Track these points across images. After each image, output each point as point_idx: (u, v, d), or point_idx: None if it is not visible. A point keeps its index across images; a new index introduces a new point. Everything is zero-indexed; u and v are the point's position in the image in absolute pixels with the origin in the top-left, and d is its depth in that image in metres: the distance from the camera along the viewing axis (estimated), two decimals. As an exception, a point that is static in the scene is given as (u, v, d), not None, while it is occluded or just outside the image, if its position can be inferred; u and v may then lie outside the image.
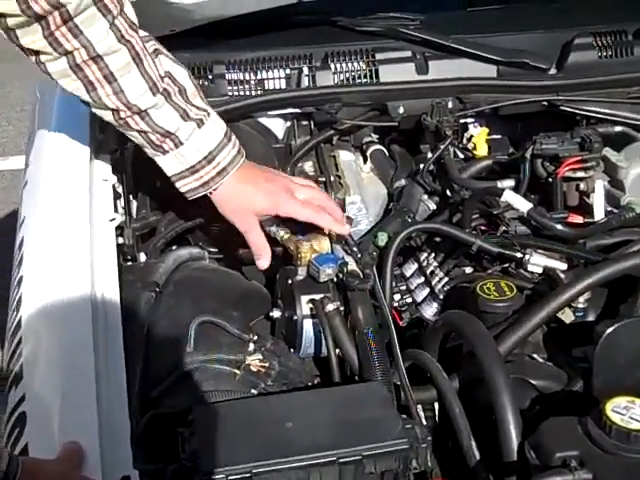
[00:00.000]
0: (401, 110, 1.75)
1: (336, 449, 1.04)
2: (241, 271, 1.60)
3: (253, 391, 1.24)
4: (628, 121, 1.67)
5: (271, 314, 1.43)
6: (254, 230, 1.42)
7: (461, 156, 1.72)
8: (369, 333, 1.29)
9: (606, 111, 1.69)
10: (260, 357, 1.28)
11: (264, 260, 1.43)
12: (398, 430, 1.07)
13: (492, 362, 1.13)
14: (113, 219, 1.51)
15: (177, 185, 1.40)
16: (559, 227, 1.42)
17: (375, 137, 1.90)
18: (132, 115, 1.34)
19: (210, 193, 1.41)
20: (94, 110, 1.36)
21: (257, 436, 1.06)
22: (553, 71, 1.81)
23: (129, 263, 1.56)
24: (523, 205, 1.43)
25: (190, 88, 1.39)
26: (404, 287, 1.55)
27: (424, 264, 1.55)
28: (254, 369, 1.27)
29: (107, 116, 1.36)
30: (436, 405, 1.28)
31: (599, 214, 1.48)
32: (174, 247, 1.68)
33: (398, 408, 1.17)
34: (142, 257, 1.62)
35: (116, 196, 1.60)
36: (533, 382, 1.25)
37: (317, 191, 1.49)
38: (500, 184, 1.56)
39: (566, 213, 1.46)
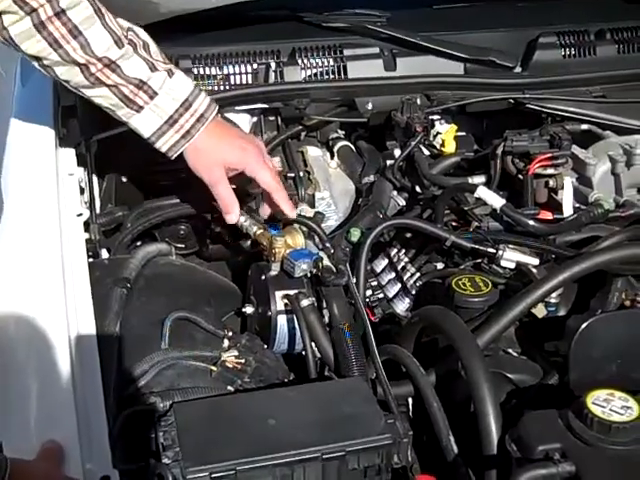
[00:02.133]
0: (369, 106, 1.75)
1: (319, 445, 1.02)
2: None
3: (230, 388, 1.23)
4: (593, 119, 1.68)
5: (243, 310, 1.42)
6: (222, 183, 1.40)
7: (427, 153, 1.72)
8: (345, 329, 1.28)
9: (571, 109, 1.70)
10: (236, 353, 1.27)
11: (233, 215, 1.41)
12: (381, 426, 1.06)
13: (472, 356, 1.13)
14: (80, 214, 1.49)
15: (158, 145, 1.36)
16: (531, 223, 1.42)
17: (341, 133, 1.90)
18: (103, 68, 1.31)
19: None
20: (60, 71, 1.31)
21: (240, 433, 1.04)
22: (518, 69, 1.83)
23: (90, 259, 1.53)
24: (496, 201, 1.44)
25: (152, 46, 1.39)
26: (375, 283, 1.54)
27: (395, 260, 1.55)
28: (230, 365, 1.25)
29: (76, 75, 1.32)
30: (410, 400, 1.28)
31: (568, 210, 1.48)
32: (139, 243, 1.67)
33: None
34: (104, 253, 1.61)
35: (81, 190, 1.57)
36: (510, 376, 1.26)
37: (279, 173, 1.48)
38: (471, 180, 1.57)
39: (537, 209, 1.47)
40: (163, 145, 1.37)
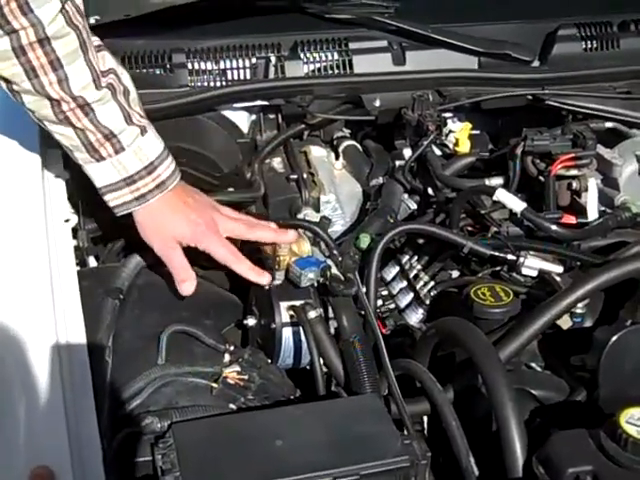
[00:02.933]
0: (377, 103, 1.74)
1: (331, 468, 1.01)
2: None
3: (232, 406, 1.22)
4: (618, 117, 1.68)
5: (245, 322, 1.40)
6: (175, 252, 1.36)
7: (439, 153, 1.72)
8: (355, 342, 1.27)
9: (595, 106, 1.70)
10: (238, 369, 1.26)
11: (189, 284, 1.37)
12: (397, 447, 1.05)
13: (494, 371, 1.12)
14: (68, 220, 1.47)
15: (107, 198, 1.33)
16: (554, 228, 1.42)
17: (347, 132, 1.90)
18: (75, 108, 1.28)
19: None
20: (27, 100, 1.28)
21: (244, 455, 1.03)
22: (537, 63, 1.84)
23: (78, 268, 1.52)
24: (516, 204, 1.44)
25: (133, 93, 1.35)
26: (385, 292, 1.54)
27: (406, 267, 1.54)
28: (232, 382, 1.24)
29: (44, 108, 1.28)
30: (425, 418, 1.27)
31: (592, 214, 1.48)
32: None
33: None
34: (92, 261, 1.59)
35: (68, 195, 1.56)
36: (534, 392, 1.25)
37: (242, 222, 1.42)
38: (488, 182, 1.57)
39: (560, 213, 1.47)
40: (111, 200, 1.34)
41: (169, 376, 1.23)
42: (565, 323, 1.32)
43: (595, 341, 1.25)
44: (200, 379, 1.23)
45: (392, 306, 1.52)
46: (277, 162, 1.78)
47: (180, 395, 1.21)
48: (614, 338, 1.16)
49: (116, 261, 1.57)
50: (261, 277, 1.38)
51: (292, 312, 1.33)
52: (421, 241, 1.54)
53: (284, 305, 1.34)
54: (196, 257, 1.41)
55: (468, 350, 1.18)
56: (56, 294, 1.25)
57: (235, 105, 1.77)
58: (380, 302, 1.50)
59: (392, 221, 1.56)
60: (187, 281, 1.37)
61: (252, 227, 1.42)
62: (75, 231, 1.54)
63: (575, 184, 1.51)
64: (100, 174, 1.32)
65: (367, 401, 1.18)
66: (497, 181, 1.57)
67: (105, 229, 1.59)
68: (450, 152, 1.70)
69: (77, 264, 1.47)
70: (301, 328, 1.31)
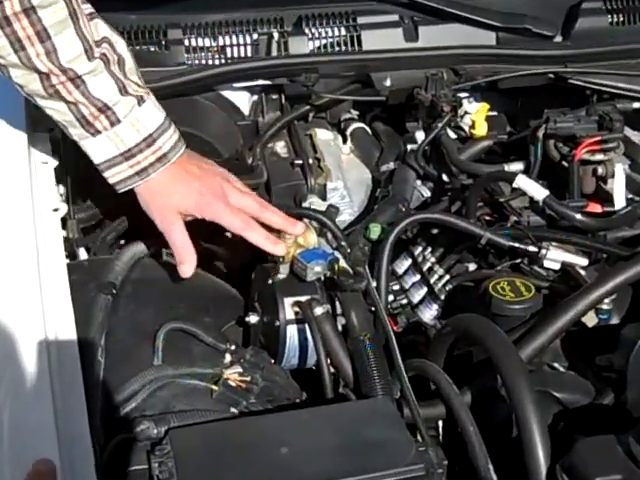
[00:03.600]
0: (388, 82, 1.74)
1: (340, 478, 1.00)
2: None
3: (233, 410, 1.21)
4: (646, 97, 1.67)
5: (247, 319, 1.39)
6: (176, 230, 1.36)
7: (454, 136, 1.71)
8: (365, 340, 1.26)
9: (622, 85, 1.69)
10: (240, 370, 1.25)
11: (188, 265, 1.35)
12: (411, 454, 1.04)
13: (515, 372, 1.11)
14: (57, 209, 1.47)
15: (106, 174, 1.33)
16: (578, 217, 1.41)
17: (355, 114, 1.89)
18: (65, 82, 1.27)
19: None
20: (15, 74, 1.27)
21: (247, 464, 1.02)
22: (559, 39, 1.83)
23: (67, 261, 1.52)
24: (538, 192, 1.43)
25: (129, 62, 1.34)
26: (397, 286, 1.53)
27: (419, 260, 1.54)
28: (233, 384, 1.23)
29: (32, 82, 1.28)
30: (440, 423, 1.26)
31: (620, 202, 1.47)
32: (123, 242, 1.65)
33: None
34: (83, 253, 1.59)
35: (57, 181, 1.56)
36: (557, 395, 1.24)
37: (253, 199, 1.42)
38: (507, 168, 1.56)
39: (584, 201, 1.46)
40: (112, 177, 1.33)
41: (166, 378, 1.22)
42: (590, 320, 1.31)
43: (623, 339, 1.25)
44: (199, 381, 1.23)
45: (404, 301, 1.51)
46: (280, 146, 1.77)
47: (178, 398, 1.21)
48: (644, 337, 1.15)
49: (109, 253, 1.57)
50: (277, 247, 1.36)
51: (297, 308, 1.32)
52: (435, 231, 1.53)
53: (289, 301, 1.33)
54: (198, 233, 1.39)
55: (486, 349, 1.17)
56: (44, 289, 1.24)
57: (235, 85, 1.77)
58: (391, 297, 1.50)
59: (404, 210, 1.56)
60: (186, 263, 1.36)
61: (263, 206, 1.41)
62: (64, 221, 1.53)
63: (601, 170, 1.50)
64: (97, 149, 1.32)
65: (378, 405, 1.17)
66: (517, 166, 1.57)
67: (102, 211, 1.60)
68: (466, 135, 1.70)
69: (66, 256, 1.47)
70: (307, 325, 1.30)
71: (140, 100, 1.32)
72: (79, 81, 1.28)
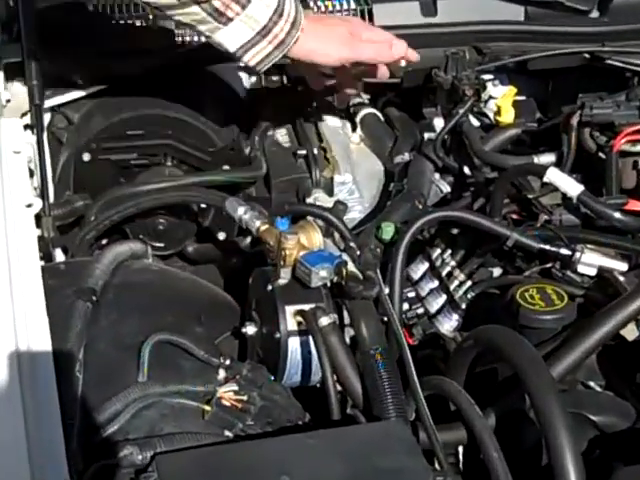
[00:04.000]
0: (403, 63, 1.72)
1: (349, 510, 1.00)
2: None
3: (228, 433, 1.21)
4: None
5: (243, 330, 1.40)
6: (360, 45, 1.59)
7: (477, 123, 1.72)
8: (377, 355, 1.26)
9: (667, 67, 1.69)
10: (235, 388, 1.25)
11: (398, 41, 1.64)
12: (428, 484, 1.04)
13: (545, 392, 1.11)
14: (30, 205, 1.47)
15: (245, 58, 1.47)
16: (617, 216, 1.40)
17: (366, 98, 1.89)
18: None
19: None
20: None
21: (244, 495, 1.02)
22: (595, 14, 1.84)
23: (42, 263, 1.52)
24: (572, 187, 1.42)
25: None
26: (412, 294, 1.53)
27: (437, 264, 1.53)
28: (228, 404, 1.23)
29: None
30: (461, 449, 1.26)
31: (664, 199, 1.47)
32: (105, 241, 1.66)
33: (421, 453, 1.14)
34: (59, 255, 1.61)
35: (30, 173, 1.56)
36: (593, 418, 1.24)
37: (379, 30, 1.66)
38: (537, 160, 1.56)
39: (624, 198, 1.45)
40: (252, 58, 1.47)
41: (152, 396, 1.22)
42: (631, 333, 1.30)
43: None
44: (189, 400, 1.22)
45: (421, 311, 1.51)
46: (282, 134, 1.78)
47: (165, 420, 1.21)
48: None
49: (88, 255, 1.58)
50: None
51: (300, 318, 1.32)
52: (455, 231, 1.53)
53: (290, 309, 1.33)
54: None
55: (513, 366, 1.16)
56: (16, 295, 1.25)
57: (231, 65, 1.76)
58: (406, 306, 1.50)
59: (421, 207, 1.56)
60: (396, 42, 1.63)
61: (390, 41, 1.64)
62: (38, 218, 1.54)
63: (643, 162, 1.50)
64: (232, 37, 1.45)
65: (391, 428, 1.16)
66: (548, 158, 1.57)
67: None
68: (490, 122, 1.70)
69: (41, 258, 1.48)
70: (311, 338, 1.30)
71: None
72: None
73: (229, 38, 1.45)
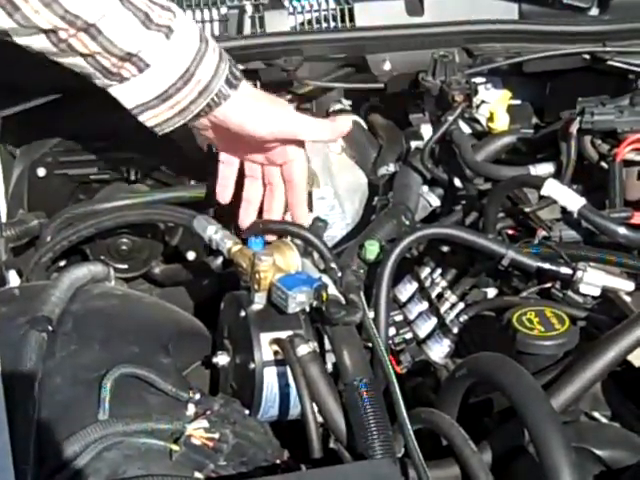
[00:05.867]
0: (387, 66, 1.75)
1: None
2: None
3: (198, 475, 1.20)
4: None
5: (214, 360, 1.39)
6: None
7: (469, 130, 1.73)
8: (362, 386, 1.25)
9: (673, 68, 1.70)
10: (206, 425, 1.23)
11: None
12: (419, 530, 1.03)
13: (545, 425, 1.10)
14: (-19, 224, 1.47)
15: (141, 118, 1.40)
16: (622, 231, 1.40)
17: (347, 104, 1.91)
18: (77, 33, 1.29)
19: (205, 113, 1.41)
20: (18, 40, 1.30)
21: None
22: (595, 12, 1.82)
23: (-5, 288, 1.52)
24: (572, 200, 1.42)
25: None
26: (400, 317, 1.53)
27: (427, 284, 1.54)
28: (198, 442, 1.22)
29: (40, 42, 1.30)
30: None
31: (674, 212, 1.47)
32: (62, 263, 1.67)
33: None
34: (13, 278, 1.60)
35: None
36: (598, 452, 1.22)
37: None
38: (534, 170, 1.56)
39: (629, 211, 1.45)
40: (149, 120, 1.40)
41: (114, 436, 1.20)
42: (638, 359, 1.29)
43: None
44: (156, 439, 1.21)
45: (409, 336, 1.51)
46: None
47: (129, 461, 1.19)
48: None
49: (44, 278, 1.57)
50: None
51: (276, 347, 1.32)
52: (446, 249, 1.54)
53: (266, 337, 1.33)
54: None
55: (510, 396, 1.15)
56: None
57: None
58: (393, 330, 1.49)
59: (408, 223, 1.56)
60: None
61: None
62: (-10, 238, 1.54)
63: (648, 172, 1.51)
64: (127, 95, 1.38)
65: (378, 467, 1.15)
66: (546, 168, 1.58)
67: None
68: (483, 129, 1.71)
69: (-8, 283, 1.47)
70: (288, 368, 1.30)
71: (168, 31, 1.34)
72: (94, 30, 1.29)
73: (124, 95, 1.38)
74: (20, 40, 1.30)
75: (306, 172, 1.53)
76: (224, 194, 1.54)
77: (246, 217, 1.54)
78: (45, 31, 1.28)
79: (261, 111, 1.43)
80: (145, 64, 1.34)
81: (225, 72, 1.40)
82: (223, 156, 1.54)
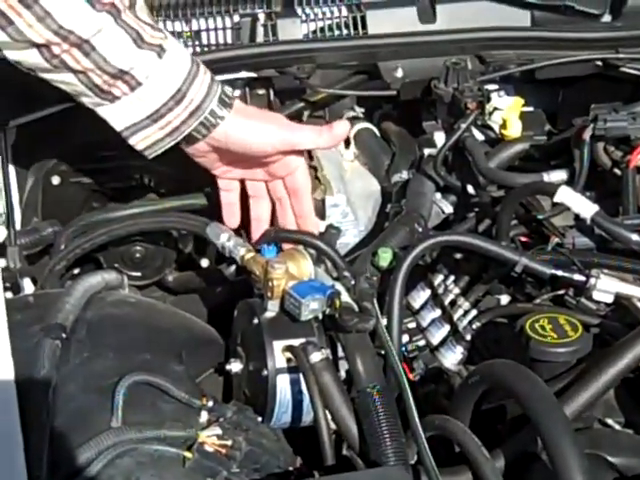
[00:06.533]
0: (399, 74, 1.75)
1: None
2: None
3: (212, 482, 1.21)
4: None
5: (227, 367, 1.40)
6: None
7: (481, 138, 1.72)
8: (374, 393, 1.25)
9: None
10: (219, 432, 1.24)
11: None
12: (432, 537, 1.02)
13: (558, 432, 1.10)
14: (-6, 233, 1.47)
15: (132, 141, 1.41)
16: (635, 238, 1.40)
17: (360, 111, 1.90)
18: (70, 49, 1.30)
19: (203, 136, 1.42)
20: (10, 55, 1.31)
21: None
22: (607, 18, 1.83)
23: (9, 295, 1.52)
24: (585, 207, 1.42)
25: (139, 1, 1.38)
26: (413, 324, 1.53)
27: (440, 291, 1.53)
28: (211, 449, 1.22)
29: (31, 57, 1.31)
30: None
31: (687, 219, 1.47)
32: (77, 271, 1.67)
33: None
34: (27, 286, 1.61)
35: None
36: (611, 459, 1.22)
37: None
38: (547, 177, 1.56)
39: (643, 218, 1.45)
40: (139, 143, 1.40)
41: (128, 443, 1.20)
42: (652, 365, 1.30)
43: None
44: (169, 446, 1.21)
45: (422, 343, 1.51)
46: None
47: (142, 468, 1.19)
48: None
49: (58, 286, 1.57)
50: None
51: (289, 354, 1.32)
52: (459, 256, 1.53)
53: (279, 345, 1.33)
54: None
55: (523, 403, 1.15)
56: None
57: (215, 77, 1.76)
58: (406, 338, 1.49)
59: (421, 230, 1.56)
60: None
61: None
62: (4, 247, 1.55)
63: (662, 179, 1.50)
64: (117, 116, 1.38)
65: (391, 474, 1.16)
66: (559, 176, 1.57)
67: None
68: (496, 137, 1.70)
69: (6, 290, 1.47)
70: (301, 375, 1.30)
71: (160, 51, 1.36)
72: (87, 47, 1.30)
73: (114, 116, 1.39)
74: (11, 55, 1.31)
75: (309, 180, 1.55)
76: (231, 221, 1.56)
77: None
78: (38, 45, 1.28)
79: (260, 126, 1.44)
80: (137, 82, 1.35)
81: (217, 93, 1.41)
82: (222, 183, 1.55)
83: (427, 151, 1.71)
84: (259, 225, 1.56)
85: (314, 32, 1.78)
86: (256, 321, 1.36)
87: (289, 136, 1.47)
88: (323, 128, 1.52)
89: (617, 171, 1.51)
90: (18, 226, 1.67)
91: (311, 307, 1.32)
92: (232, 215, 1.56)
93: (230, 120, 1.42)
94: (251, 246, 1.44)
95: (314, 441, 1.29)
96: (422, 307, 1.54)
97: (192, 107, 1.38)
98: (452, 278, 1.53)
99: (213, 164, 1.51)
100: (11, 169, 1.68)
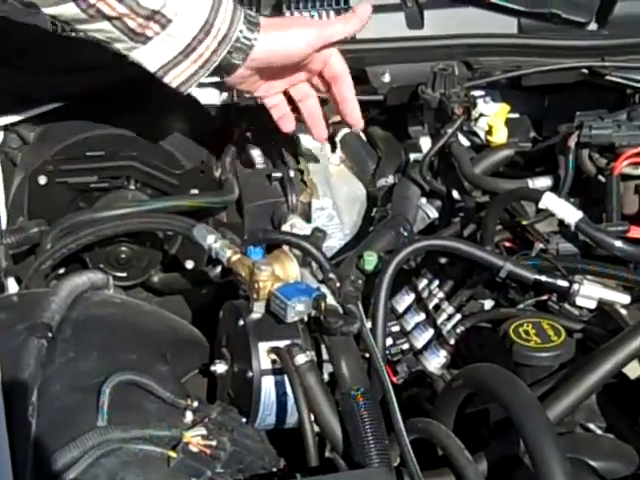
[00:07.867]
0: (386, 78, 1.76)
1: None
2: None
3: (195, 482, 1.20)
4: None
5: (212, 368, 1.40)
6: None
7: (467, 143, 1.73)
8: (358, 396, 1.26)
9: (670, 83, 1.70)
10: (203, 432, 1.23)
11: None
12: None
13: (541, 436, 1.10)
14: (-20, 232, 1.47)
15: (167, 79, 1.45)
16: (618, 244, 1.40)
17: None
18: None
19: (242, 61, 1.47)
20: (48, 11, 1.36)
21: None
22: (593, 26, 1.84)
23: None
24: (569, 213, 1.42)
25: None
26: (397, 328, 1.53)
27: (424, 295, 1.54)
28: (195, 449, 1.22)
29: (68, 10, 1.35)
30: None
31: (670, 225, 1.48)
32: (62, 271, 1.66)
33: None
34: (12, 285, 1.61)
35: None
36: (593, 463, 1.23)
37: None
38: (532, 184, 1.56)
39: (626, 225, 1.45)
40: (174, 79, 1.46)
41: (112, 442, 1.20)
42: (634, 371, 1.30)
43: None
44: (153, 446, 1.21)
45: (406, 346, 1.51)
46: (257, 154, 1.77)
47: (127, 468, 1.19)
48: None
49: (44, 286, 1.57)
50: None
51: (274, 356, 1.32)
52: (444, 261, 1.54)
53: (264, 346, 1.33)
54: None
55: (506, 407, 1.16)
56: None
57: (200, 80, 1.75)
58: (390, 341, 1.49)
59: (406, 234, 1.55)
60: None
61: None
62: (-10, 246, 1.54)
63: (645, 186, 1.51)
64: (151, 57, 1.43)
65: (374, 476, 1.16)
66: (543, 182, 1.57)
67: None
68: (482, 143, 1.71)
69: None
70: (286, 377, 1.30)
71: None
72: None
73: (148, 57, 1.44)
74: (49, 10, 1.36)
75: (345, 63, 1.61)
76: (286, 122, 1.65)
77: (319, 130, 1.66)
78: None
79: (294, 33, 1.51)
80: (167, 20, 1.39)
81: (241, 19, 1.45)
82: (268, 101, 1.63)
83: (413, 156, 1.72)
84: (315, 121, 1.66)
85: (302, 36, 1.78)
86: (241, 322, 1.36)
87: (322, 32, 1.54)
88: (347, 15, 1.62)
89: (601, 178, 1.51)
90: (4, 225, 1.67)
91: (297, 309, 1.32)
92: (285, 118, 1.65)
93: (265, 37, 1.47)
94: (237, 247, 1.44)
95: (298, 443, 1.29)
96: (406, 311, 1.54)
97: (220, 36, 1.43)
98: (436, 282, 1.53)
99: (254, 86, 1.57)
100: (-3, 169, 1.68)
